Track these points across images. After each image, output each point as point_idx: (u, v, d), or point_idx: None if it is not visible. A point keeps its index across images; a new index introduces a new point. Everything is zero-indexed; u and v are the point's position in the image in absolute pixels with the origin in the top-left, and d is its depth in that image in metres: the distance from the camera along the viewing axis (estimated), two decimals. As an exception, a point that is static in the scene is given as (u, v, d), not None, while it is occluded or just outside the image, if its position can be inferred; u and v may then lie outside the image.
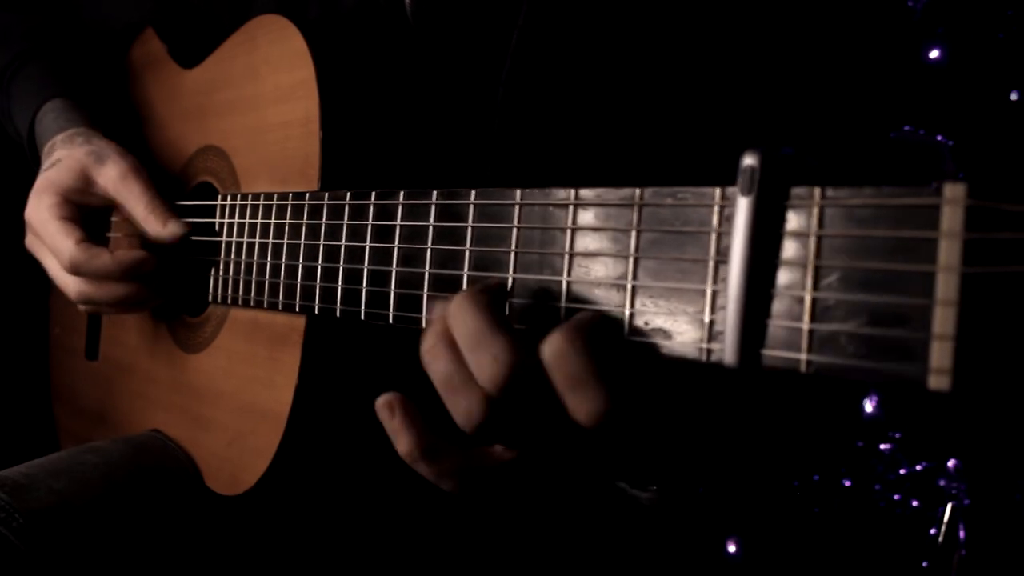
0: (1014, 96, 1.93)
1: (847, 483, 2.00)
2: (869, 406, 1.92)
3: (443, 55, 1.00)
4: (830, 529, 2.05)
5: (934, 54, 1.98)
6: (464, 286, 0.72)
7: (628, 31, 0.96)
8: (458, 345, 0.63)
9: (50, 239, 1.10)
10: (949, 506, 1.80)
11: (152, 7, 1.27)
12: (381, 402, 0.67)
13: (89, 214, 1.14)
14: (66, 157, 1.13)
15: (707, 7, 0.94)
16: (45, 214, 1.10)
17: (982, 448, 1.89)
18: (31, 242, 1.16)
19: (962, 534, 1.81)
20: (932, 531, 1.82)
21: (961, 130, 1.93)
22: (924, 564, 1.81)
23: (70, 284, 1.11)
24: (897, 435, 1.87)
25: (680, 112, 0.94)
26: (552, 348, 0.59)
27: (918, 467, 1.86)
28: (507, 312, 0.67)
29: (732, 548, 2.03)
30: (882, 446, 1.89)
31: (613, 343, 0.61)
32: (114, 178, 1.10)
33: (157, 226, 1.08)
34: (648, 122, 0.95)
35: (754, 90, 0.94)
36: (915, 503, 1.86)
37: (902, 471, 1.87)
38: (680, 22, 0.95)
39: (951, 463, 1.86)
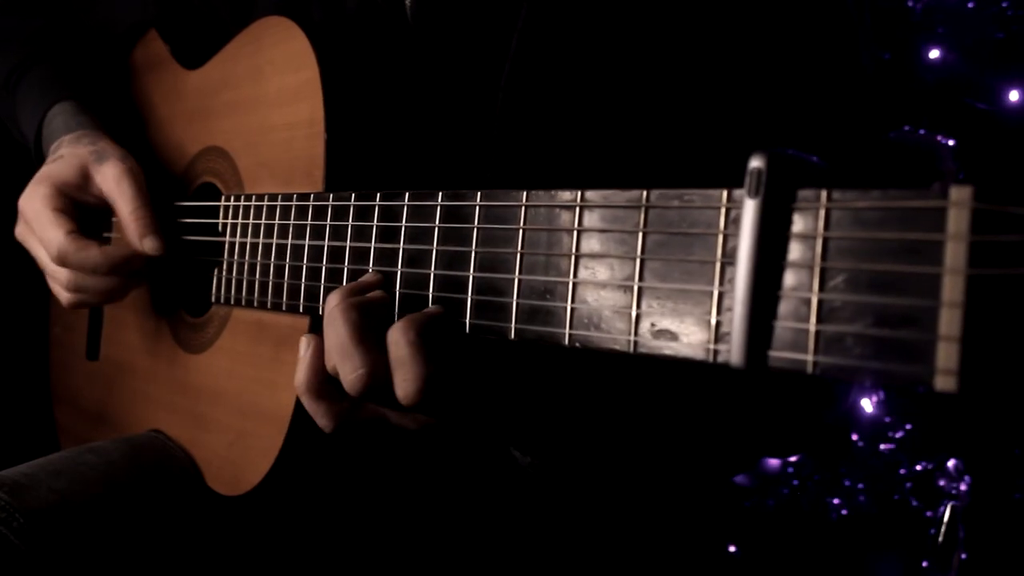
0: (1014, 96, 1.93)
1: (847, 483, 2.00)
2: (869, 406, 1.93)
3: (443, 58, 1.00)
4: (830, 529, 2.05)
5: (934, 54, 1.98)
6: (470, 287, 0.72)
7: (627, 35, 0.95)
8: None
9: (40, 229, 1.09)
10: (949, 506, 1.81)
11: (154, 9, 1.27)
12: (305, 337, 0.81)
13: (87, 213, 1.14)
14: (69, 154, 1.13)
15: (706, 11, 0.94)
16: (38, 203, 1.10)
17: (982, 448, 1.89)
18: (22, 231, 1.15)
19: (962, 534, 1.81)
20: (932, 531, 1.82)
21: (961, 130, 1.93)
22: (924, 564, 1.81)
23: (59, 275, 1.11)
24: (897, 435, 1.88)
25: (679, 117, 0.94)
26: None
27: (918, 467, 1.87)
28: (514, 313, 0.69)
29: (732, 548, 2.03)
30: (882, 446, 1.89)
31: (446, 333, 0.73)
32: (110, 178, 1.10)
33: (135, 236, 1.08)
34: (647, 127, 0.95)
35: (753, 92, 0.94)
36: (915, 503, 1.86)
37: (902, 471, 1.88)
38: (678, 25, 0.94)
39: (951, 463, 1.86)
